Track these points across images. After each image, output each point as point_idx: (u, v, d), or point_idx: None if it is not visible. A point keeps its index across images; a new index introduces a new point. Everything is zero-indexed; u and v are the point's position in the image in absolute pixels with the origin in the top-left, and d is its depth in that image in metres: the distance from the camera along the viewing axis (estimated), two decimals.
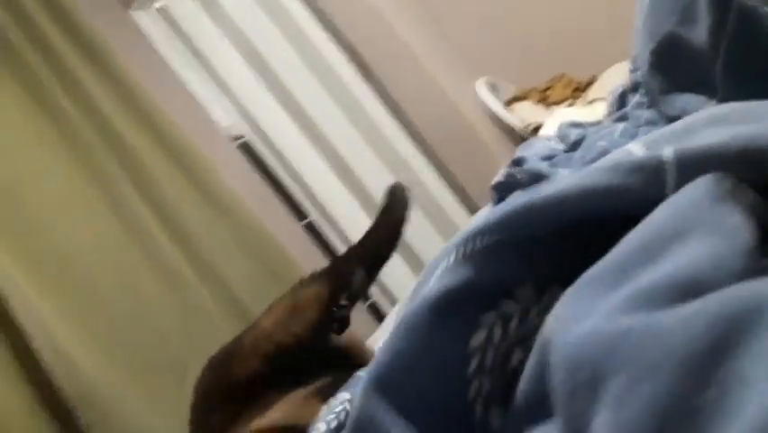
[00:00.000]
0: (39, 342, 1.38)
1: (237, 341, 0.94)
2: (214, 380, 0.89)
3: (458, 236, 0.36)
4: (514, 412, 0.30)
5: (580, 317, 0.26)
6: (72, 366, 1.40)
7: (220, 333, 1.62)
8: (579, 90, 2.19)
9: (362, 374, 0.62)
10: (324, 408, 0.58)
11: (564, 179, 0.36)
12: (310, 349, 0.80)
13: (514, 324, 0.31)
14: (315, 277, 0.99)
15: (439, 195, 2.45)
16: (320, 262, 2.05)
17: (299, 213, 2.20)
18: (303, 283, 0.98)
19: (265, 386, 0.80)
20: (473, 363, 0.31)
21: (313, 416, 0.67)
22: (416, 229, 2.34)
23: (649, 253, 0.27)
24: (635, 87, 0.93)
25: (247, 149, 2.13)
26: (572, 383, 0.24)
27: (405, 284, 2.17)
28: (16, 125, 1.58)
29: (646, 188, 0.32)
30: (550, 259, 0.33)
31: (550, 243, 0.33)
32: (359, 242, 1.03)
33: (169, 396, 1.50)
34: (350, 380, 0.65)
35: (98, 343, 1.48)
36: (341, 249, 2.26)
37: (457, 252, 0.35)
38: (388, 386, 0.32)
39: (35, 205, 1.53)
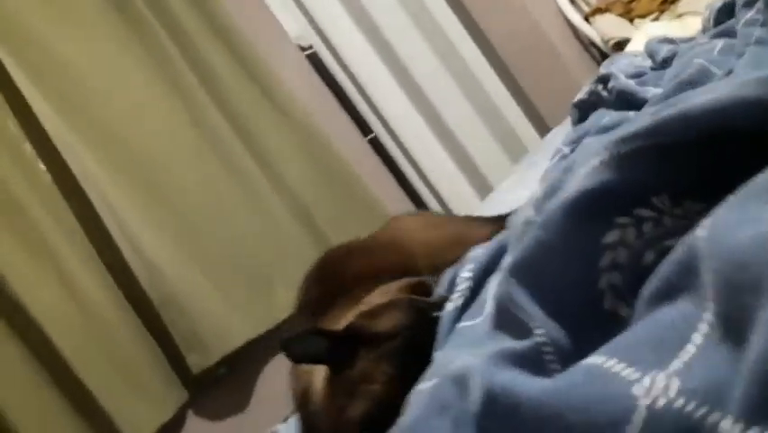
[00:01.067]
0: (124, 247, 1.47)
1: (376, 238, 0.99)
2: (337, 258, 0.94)
3: (603, 141, 0.36)
4: (643, 302, 0.31)
5: (745, 223, 0.26)
6: (154, 269, 1.49)
7: (288, 238, 1.69)
8: (666, 3, 2.03)
9: (477, 254, 0.68)
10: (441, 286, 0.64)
11: (716, 88, 0.35)
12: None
13: (648, 227, 0.33)
14: (487, 222, 0.98)
15: (508, 113, 2.38)
16: (382, 176, 2.06)
17: (365, 128, 2.19)
18: (473, 220, 1.00)
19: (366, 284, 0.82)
20: (606, 259, 0.33)
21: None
22: (482, 147, 2.30)
23: None
24: (749, 3, 0.86)
25: (315, 60, 2.11)
26: (738, 281, 0.25)
27: (469, 202, 2.17)
28: (101, 36, 1.62)
29: None
30: (688, 170, 0.34)
31: (690, 154, 0.34)
32: None
33: (241, 295, 1.60)
34: (464, 260, 0.69)
35: (178, 248, 1.57)
36: (404, 166, 2.25)
37: (602, 155, 0.35)
38: (526, 271, 0.35)
39: (119, 117, 1.59)
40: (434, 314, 0.65)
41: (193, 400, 1.52)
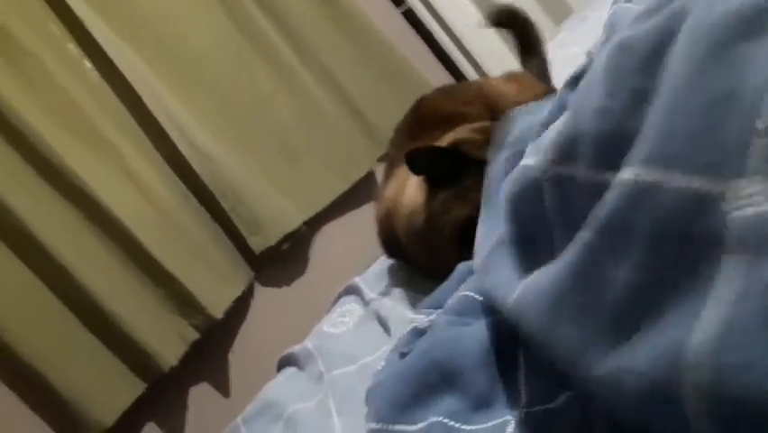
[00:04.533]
0: (180, 142, 1.56)
1: (469, 86, 1.18)
2: (434, 101, 1.11)
3: None
4: None
5: None
6: (210, 162, 1.58)
7: (331, 126, 1.74)
8: None
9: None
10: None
11: None
12: None
13: None
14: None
15: None
16: (419, 48, 2.04)
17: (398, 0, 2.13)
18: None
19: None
20: None
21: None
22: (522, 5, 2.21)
23: None
24: None
25: None
26: None
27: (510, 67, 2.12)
28: None
29: None
30: None
31: None
32: None
33: (288, 180, 1.70)
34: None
35: (228, 139, 1.65)
36: (439, 36, 2.20)
37: None
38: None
39: (161, 16, 1.64)
40: None
41: (259, 275, 1.67)
